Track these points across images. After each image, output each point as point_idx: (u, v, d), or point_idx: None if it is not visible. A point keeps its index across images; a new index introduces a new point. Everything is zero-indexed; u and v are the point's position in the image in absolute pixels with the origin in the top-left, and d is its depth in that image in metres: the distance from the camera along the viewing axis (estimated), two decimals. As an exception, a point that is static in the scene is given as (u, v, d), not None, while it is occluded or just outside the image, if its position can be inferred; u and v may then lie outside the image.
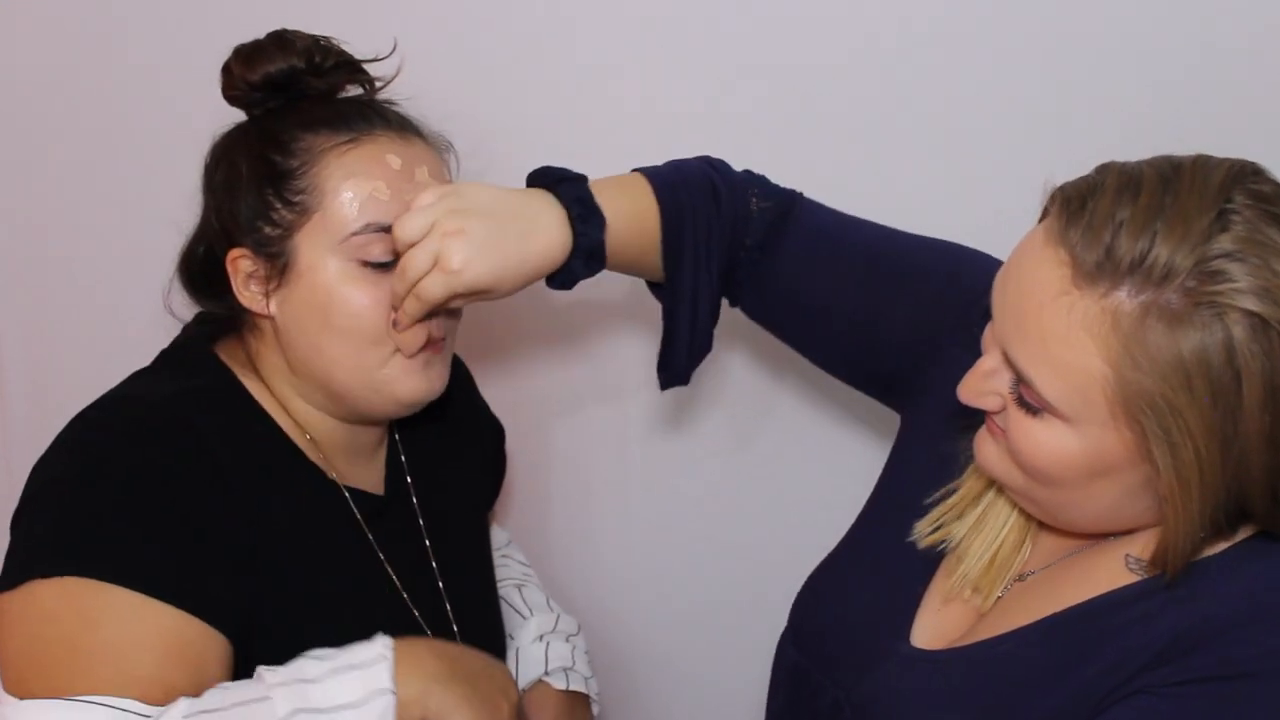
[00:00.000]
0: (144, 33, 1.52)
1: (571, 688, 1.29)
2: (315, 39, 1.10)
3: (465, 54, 1.45)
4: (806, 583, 1.13)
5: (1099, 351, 0.82)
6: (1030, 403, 0.87)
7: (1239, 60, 1.27)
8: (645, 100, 1.43)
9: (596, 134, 1.45)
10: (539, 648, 1.30)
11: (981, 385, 0.91)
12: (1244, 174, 0.83)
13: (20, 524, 0.99)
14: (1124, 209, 0.82)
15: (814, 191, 1.36)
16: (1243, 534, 0.90)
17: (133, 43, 1.53)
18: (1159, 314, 0.80)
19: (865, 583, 1.08)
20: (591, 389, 1.55)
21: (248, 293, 1.08)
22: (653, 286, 1.20)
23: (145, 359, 1.14)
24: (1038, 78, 1.31)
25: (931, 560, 1.04)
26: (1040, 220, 0.89)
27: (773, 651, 1.16)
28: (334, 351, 1.06)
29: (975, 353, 0.95)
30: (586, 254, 1.07)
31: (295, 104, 1.09)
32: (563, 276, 1.09)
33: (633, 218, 1.11)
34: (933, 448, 1.07)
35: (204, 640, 0.96)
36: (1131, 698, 0.86)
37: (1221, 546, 0.89)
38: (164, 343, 1.16)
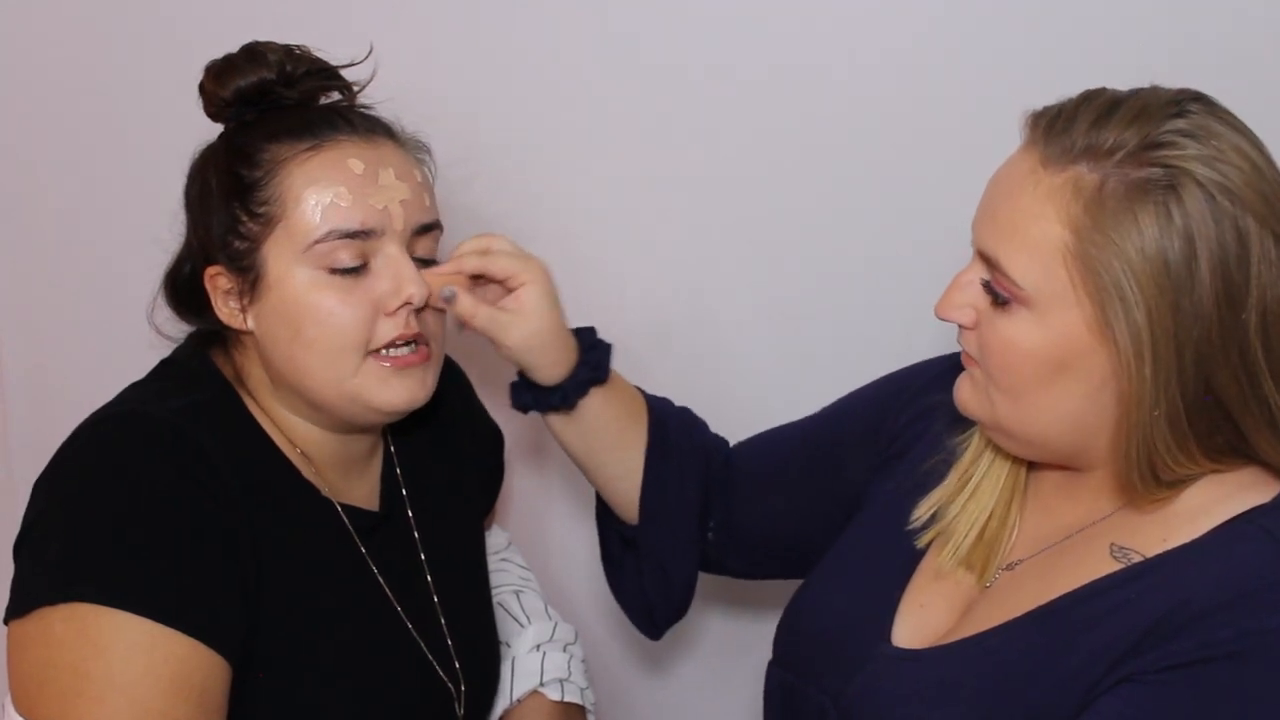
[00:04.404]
0: (148, 39, 1.55)
1: (567, 699, 1.31)
2: (288, 49, 1.12)
3: (450, 58, 1.47)
4: (787, 606, 1.17)
5: (1060, 218, 0.89)
6: (1000, 293, 0.93)
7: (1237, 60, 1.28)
8: (631, 104, 1.44)
9: (583, 137, 1.47)
10: (535, 658, 1.31)
11: (957, 298, 0.98)
12: (1207, 98, 0.92)
13: (28, 546, 1.01)
14: (1088, 107, 0.91)
15: (809, 194, 1.35)
16: (1229, 507, 0.93)
17: (136, 45, 1.56)
18: (1117, 181, 0.88)
19: (842, 591, 1.11)
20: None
21: (226, 309, 1.10)
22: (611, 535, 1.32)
23: (146, 360, 1.16)
24: (1037, 82, 1.31)
25: (908, 563, 1.08)
26: None
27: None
28: (306, 362, 1.08)
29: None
30: (592, 365, 1.20)
31: (265, 115, 1.11)
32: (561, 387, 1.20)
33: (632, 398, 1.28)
34: (914, 467, 1.12)
35: (210, 667, 0.98)
36: (1117, 687, 0.89)
37: (1201, 524, 0.92)
38: (163, 345, 1.18)
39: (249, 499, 1.04)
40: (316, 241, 1.06)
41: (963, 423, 1.08)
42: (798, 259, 1.46)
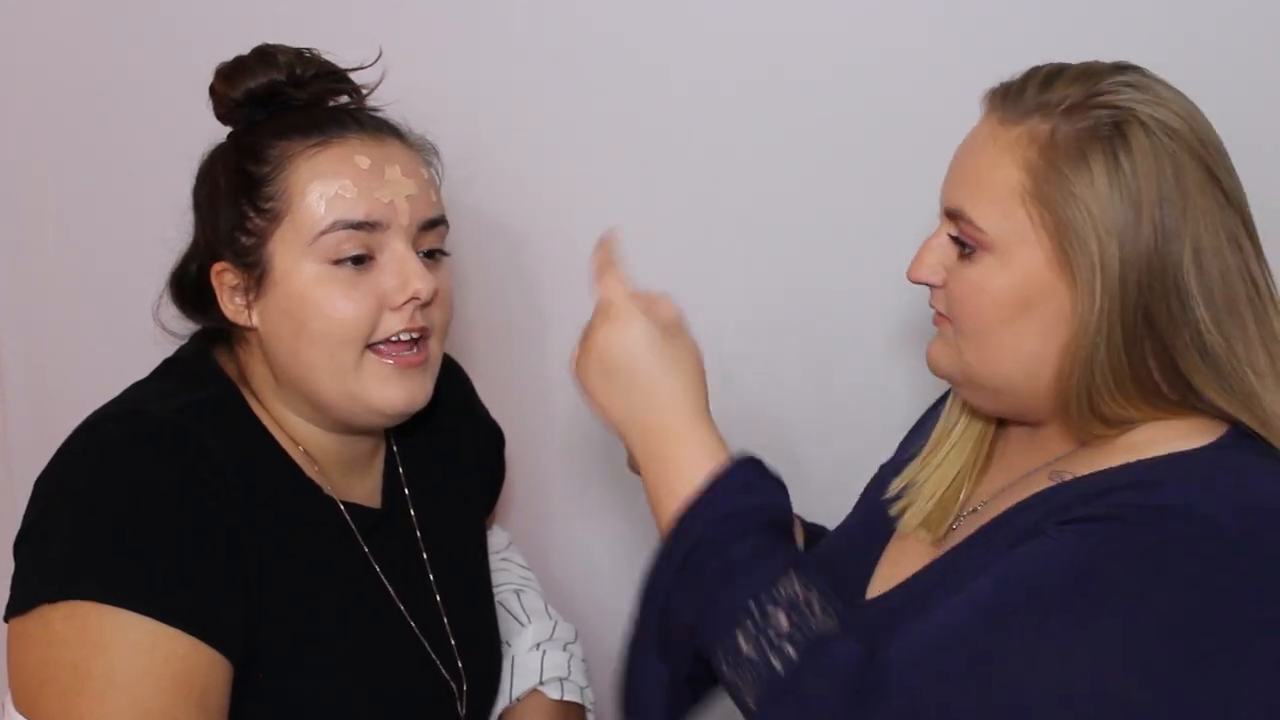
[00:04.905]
0: (149, 40, 1.56)
1: (566, 698, 1.31)
2: (298, 51, 1.13)
3: (452, 59, 1.48)
4: None
5: (1017, 164, 0.96)
6: (965, 242, 0.99)
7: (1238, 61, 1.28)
8: (632, 105, 1.45)
9: (583, 137, 1.48)
10: (535, 657, 1.32)
11: (927, 258, 1.03)
12: (1145, 70, 0.99)
13: (29, 544, 1.01)
14: (1036, 75, 0.99)
15: (810, 194, 1.34)
16: (1166, 448, 0.96)
17: (137, 46, 1.57)
18: (1068, 126, 0.95)
19: (832, 560, 1.14)
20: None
21: (232, 306, 1.11)
22: None
23: (146, 360, 1.16)
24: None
25: (889, 528, 1.12)
26: None
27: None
28: (310, 357, 1.08)
29: None
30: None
31: (274, 115, 1.11)
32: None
33: None
34: (904, 451, 1.18)
35: (210, 666, 0.98)
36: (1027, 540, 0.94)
37: (1134, 456, 0.96)
38: (166, 345, 1.18)
39: (251, 497, 1.05)
40: (322, 233, 1.06)
41: None
42: (799, 259, 1.47)
